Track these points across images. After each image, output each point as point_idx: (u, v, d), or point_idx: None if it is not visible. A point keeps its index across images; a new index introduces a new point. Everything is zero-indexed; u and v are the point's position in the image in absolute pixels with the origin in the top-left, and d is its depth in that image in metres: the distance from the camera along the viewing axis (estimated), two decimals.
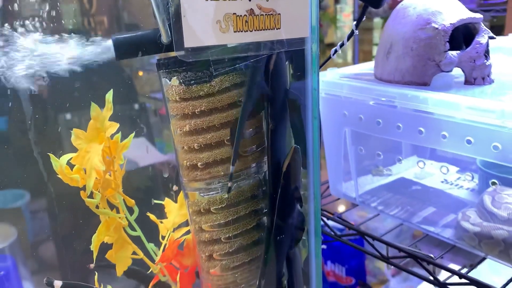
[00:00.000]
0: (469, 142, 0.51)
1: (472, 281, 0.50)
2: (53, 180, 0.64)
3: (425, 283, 1.00)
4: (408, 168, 0.76)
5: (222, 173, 0.39)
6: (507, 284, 0.50)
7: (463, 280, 0.51)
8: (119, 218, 0.39)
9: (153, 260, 0.43)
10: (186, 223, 0.47)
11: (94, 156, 0.36)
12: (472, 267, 0.54)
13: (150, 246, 0.43)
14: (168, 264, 0.44)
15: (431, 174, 0.73)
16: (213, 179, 0.40)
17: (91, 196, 0.37)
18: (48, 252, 0.70)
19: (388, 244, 0.57)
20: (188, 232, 0.46)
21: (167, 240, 0.44)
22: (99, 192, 0.37)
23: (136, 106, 0.79)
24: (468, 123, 0.50)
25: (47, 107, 0.58)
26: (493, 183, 0.55)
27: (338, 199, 0.72)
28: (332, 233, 0.64)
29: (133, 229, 0.42)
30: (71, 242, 0.67)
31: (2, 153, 0.59)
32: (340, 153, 0.68)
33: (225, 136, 0.39)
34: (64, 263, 0.68)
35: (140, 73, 0.79)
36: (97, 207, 0.38)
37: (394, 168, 0.76)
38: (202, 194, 0.40)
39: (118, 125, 0.36)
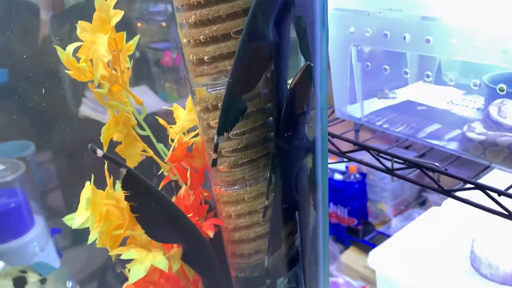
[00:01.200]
0: (477, 48, 0.50)
1: (477, 185, 0.51)
2: (58, 131, 0.64)
3: (424, 215, 1.02)
4: (413, 92, 0.75)
5: (229, 67, 0.39)
6: (511, 186, 0.50)
7: (468, 185, 0.51)
8: (128, 113, 0.40)
9: (162, 160, 0.44)
10: (194, 128, 0.47)
11: (100, 46, 0.36)
12: (475, 175, 0.55)
13: (160, 146, 0.44)
14: (178, 164, 0.45)
15: (437, 97, 0.73)
16: (220, 74, 0.40)
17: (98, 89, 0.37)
18: (54, 202, 0.72)
19: (393, 155, 0.58)
20: (197, 135, 0.46)
21: (176, 143, 0.44)
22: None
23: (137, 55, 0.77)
24: (476, 27, 0.49)
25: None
26: (501, 89, 0.54)
27: (343, 120, 0.72)
28: (338, 151, 0.65)
29: (142, 129, 0.43)
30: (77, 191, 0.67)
31: (5, 105, 0.59)
32: (346, 74, 0.68)
33: (231, 28, 0.38)
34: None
35: (139, 24, 0.77)
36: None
37: (399, 92, 0.76)
38: (209, 90, 0.40)
39: (122, 12, 0.36)
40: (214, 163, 0.40)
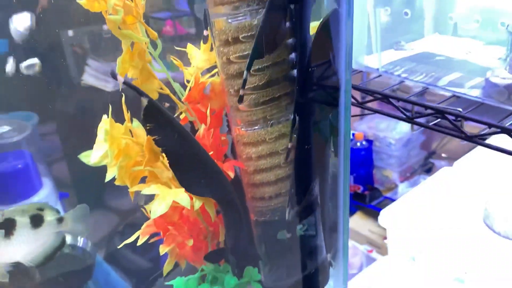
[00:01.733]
0: None
1: (503, 129, 0.49)
2: (61, 101, 0.63)
3: (435, 176, 1.01)
4: (430, 44, 0.73)
5: None
6: None
7: (493, 129, 0.50)
8: (143, 44, 0.38)
9: (179, 99, 0.42)
10: (209, 70, 0.45)
11: None
12: (499, 121, 0.53)
13: (176, 86, 0.42)
14: (195, 105, 0.43)
15: (455, 48, 0.71)
16: (242, 2, 0.37)
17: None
18: (59, 172, 0.70)
19: (414, 102, 0.56)
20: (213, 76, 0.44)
21: (192, 82, 0.42)
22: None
23: None
24: None
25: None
26: None
27: (359, 72, 0.70)
28: (356, 101, 0.63)
29: (158, 66, 0.41)
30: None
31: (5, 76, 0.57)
32: (364, 23, 0.65)
33: None
34: (76, 181, 0.67)
35: None
36: None
37: (415, 44, 0.73)
38: (230, 21, 0.38)
39: None
40: (241, 99, 0.38)
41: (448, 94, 0.63)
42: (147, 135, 0.34)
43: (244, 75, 0.36)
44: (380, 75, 0.68)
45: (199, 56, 0.44)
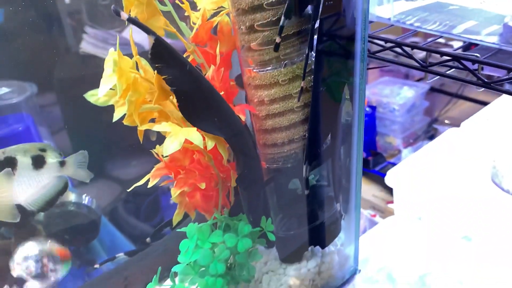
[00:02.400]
0: None
1: None
2: (59, 71, 0.60)
3: (442, 136, 0.99)
4: None
5: None
6: None
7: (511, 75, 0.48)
8: None
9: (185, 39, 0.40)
10: (217, 14, 0.43)
11: None
12: None
13: (182, 25, 0.40)
14: (202, 46, 0.41)
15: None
16: None
17: None
18: (59, 143, 0.68)
19: (428, 50, 0.54)
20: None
21: (200, 20, 0.40)
22: None
23: None
24: None
25: None
26: None
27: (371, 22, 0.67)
28: (368, 51, 0.60)
29: (164, 4, 0.38)
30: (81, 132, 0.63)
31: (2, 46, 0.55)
32: None
33: None
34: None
35: None
36: None
37: None
38: None
39: None
40: (277, 47, 0.36)
41: (461, 44, 0.61)
42: (158, 73, 0.32)
43: (281, 21, 0.34)
44: (392, 25, 0.65)
45: None
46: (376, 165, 1.45)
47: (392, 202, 1.34)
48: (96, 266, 0.54)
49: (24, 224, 0.64)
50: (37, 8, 0.54)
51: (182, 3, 0.39)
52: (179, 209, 0.45)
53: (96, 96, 0.34)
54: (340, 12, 0.40)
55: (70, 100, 0.67)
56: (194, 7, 0.41)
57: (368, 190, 1.41)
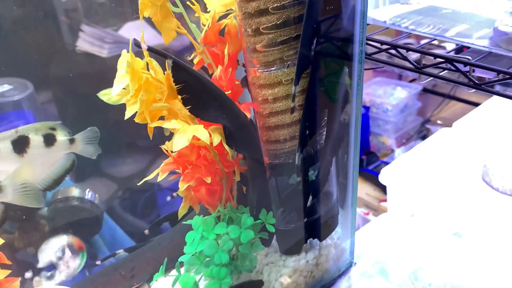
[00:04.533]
0: None
1: None
2: (55, 68, 0.61)
3: (435, 135, 1.02)
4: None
5: None
6: None
7: (501, 76, 0.50)
8: None
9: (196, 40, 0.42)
10: (224, 16, 0.45)
11: None
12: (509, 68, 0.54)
13: (193, 27, 0.42)
14: (210, 47, 0.43)
15: (461, 2, 0.71)
16: None
17: None
18: None
19: (422, 52, 0.56)
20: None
21: (210, 21, 0.42)
22: None
23: None
24: None
25: None
26: None
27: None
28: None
29: (175, 6, 0.40)
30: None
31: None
32: None
33: None
34: None
35: None
36: None
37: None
38: None
39: None
40: (292, 111, 0.39)
41: (454, 46, 0.64)
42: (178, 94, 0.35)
43: (293, 90, 0.37)
44: (387, 28, 0.67)
45: (216, 0, 0.44)
46: (369, 164, 1.48)
47: (385, 200, 1.37)
48: (98, 262, 0.56)
49: (28, 219, 0.65)
50: (34, 5, 0.55)
51: (193, 4, 0.41)
52: (184, 202, 0.47)
53: (109, 95, 0.36)
54: (338, 15, 0.42)
55: (67, 98, 0.68)
56: (203, 8, 0.43)
57: (362, 188, 1.43)
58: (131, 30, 0.66)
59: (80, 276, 0.59)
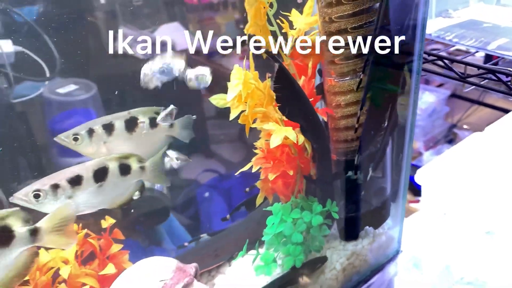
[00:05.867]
0: None
1: None
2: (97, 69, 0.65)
3: (468, 139, 1.07)
4: (476, 12, 0.80)
5: None
6: None
7: None
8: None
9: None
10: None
11: None
12: None
13: (284, 43, 0.50)
14: (295, 59, 0.51)
15: (500, 16, 0.77)
16: None
17: None
18: None
19: (466, 63, 0.63)
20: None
21: (296, 37, 0.49)
22: None
23: None
24: None
25: None
26: None
27: None
28: None
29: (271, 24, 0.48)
30: None
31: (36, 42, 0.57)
32: None
33: None
34: None
35: None
36: None
37: (461, 12, 0.80)
38: None
39: None
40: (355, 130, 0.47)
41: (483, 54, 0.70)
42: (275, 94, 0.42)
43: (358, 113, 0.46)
44: (432, 40, 0.74)
45: (301, 19, 0.52)
46: None
47: (414, 201, 1.42)
48: (186, 244, 0.64)
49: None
50: (71, 6, 0.57)
51: (283, 22, 0.49)
52: (261, 193, 0.56)
53: (218, 100, 0.44)
54: (402, 30, 0.49)
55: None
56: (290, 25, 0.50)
57: None
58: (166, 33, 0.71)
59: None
